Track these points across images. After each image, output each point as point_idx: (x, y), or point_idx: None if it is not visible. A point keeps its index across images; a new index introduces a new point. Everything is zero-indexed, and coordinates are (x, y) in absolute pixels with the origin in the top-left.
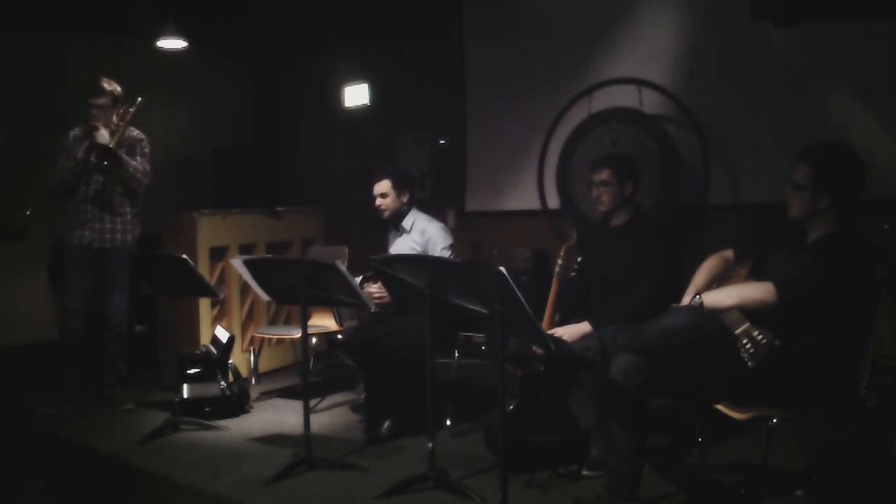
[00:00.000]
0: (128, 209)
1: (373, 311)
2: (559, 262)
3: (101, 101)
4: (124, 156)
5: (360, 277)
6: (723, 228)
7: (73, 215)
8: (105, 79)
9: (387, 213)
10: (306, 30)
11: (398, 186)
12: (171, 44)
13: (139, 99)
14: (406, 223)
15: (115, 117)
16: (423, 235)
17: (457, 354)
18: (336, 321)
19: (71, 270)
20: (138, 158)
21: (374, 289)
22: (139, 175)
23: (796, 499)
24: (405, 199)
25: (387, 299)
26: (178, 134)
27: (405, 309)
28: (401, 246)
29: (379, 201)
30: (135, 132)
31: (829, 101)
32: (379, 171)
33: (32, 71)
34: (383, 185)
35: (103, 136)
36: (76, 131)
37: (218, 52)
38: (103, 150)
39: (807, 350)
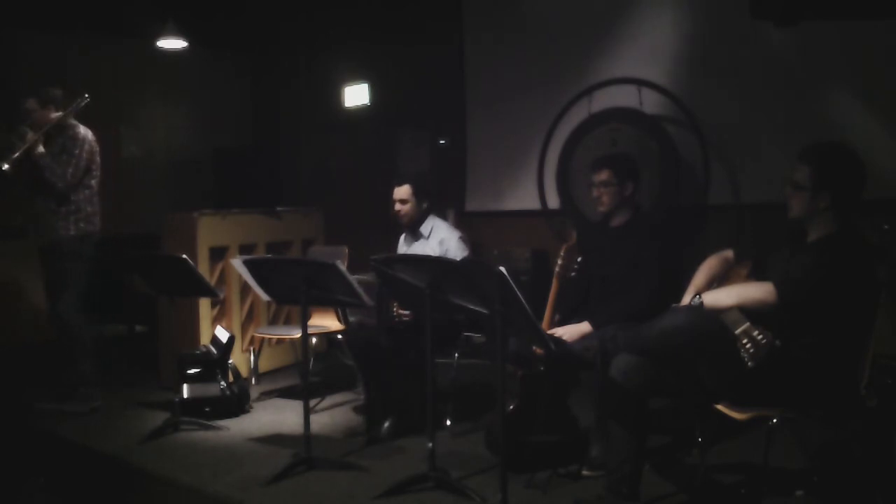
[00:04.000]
0: (46, 204)
1: (397, 320)
2: (559, 262)
3: (27, 104)
4: (38, 157)
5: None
6: (723, 228)
7: None
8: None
9: (405, 220)
10: (306, 30)
11: (418, 193)
12: (171, 44)
13: (86, 95)
14: (424, 229)
15: (50, 116)
16: (442, 246)
17: (457, 354)
18: (339, 319)
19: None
20: (64, 157)
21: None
22: (47, 174)
23: (796, 499)
24: (425, 206)
25: (410, 317)
26: (178, 134)
27: (409, 310)
28: (417, 252)
29: (398, 206)
30: (72, 130)
31: (829, 101)
32: (400, 175)
33: (32, 71)
34: (404, 191)
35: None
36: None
37: (218, 52)
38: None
39: (807, 350)
